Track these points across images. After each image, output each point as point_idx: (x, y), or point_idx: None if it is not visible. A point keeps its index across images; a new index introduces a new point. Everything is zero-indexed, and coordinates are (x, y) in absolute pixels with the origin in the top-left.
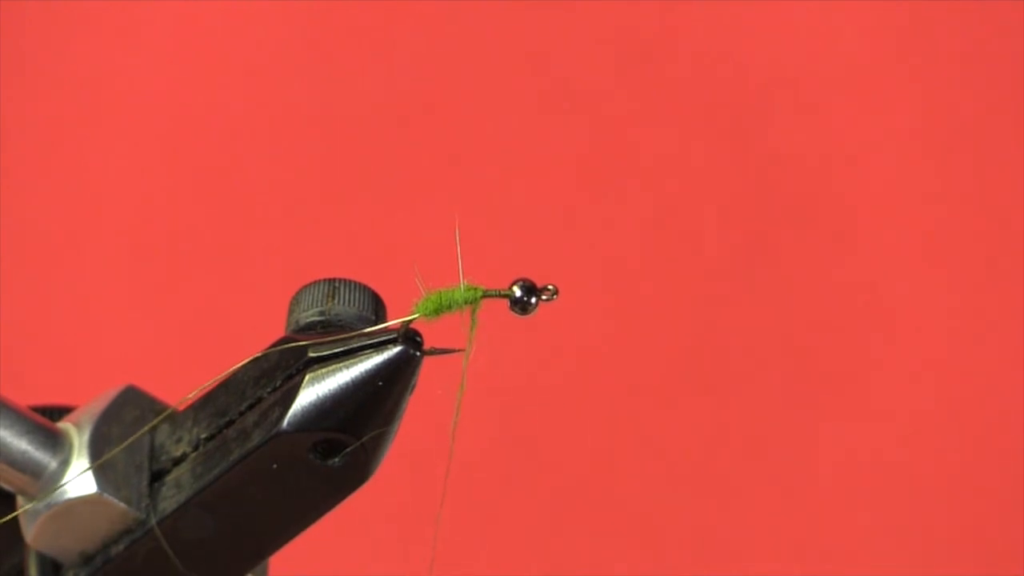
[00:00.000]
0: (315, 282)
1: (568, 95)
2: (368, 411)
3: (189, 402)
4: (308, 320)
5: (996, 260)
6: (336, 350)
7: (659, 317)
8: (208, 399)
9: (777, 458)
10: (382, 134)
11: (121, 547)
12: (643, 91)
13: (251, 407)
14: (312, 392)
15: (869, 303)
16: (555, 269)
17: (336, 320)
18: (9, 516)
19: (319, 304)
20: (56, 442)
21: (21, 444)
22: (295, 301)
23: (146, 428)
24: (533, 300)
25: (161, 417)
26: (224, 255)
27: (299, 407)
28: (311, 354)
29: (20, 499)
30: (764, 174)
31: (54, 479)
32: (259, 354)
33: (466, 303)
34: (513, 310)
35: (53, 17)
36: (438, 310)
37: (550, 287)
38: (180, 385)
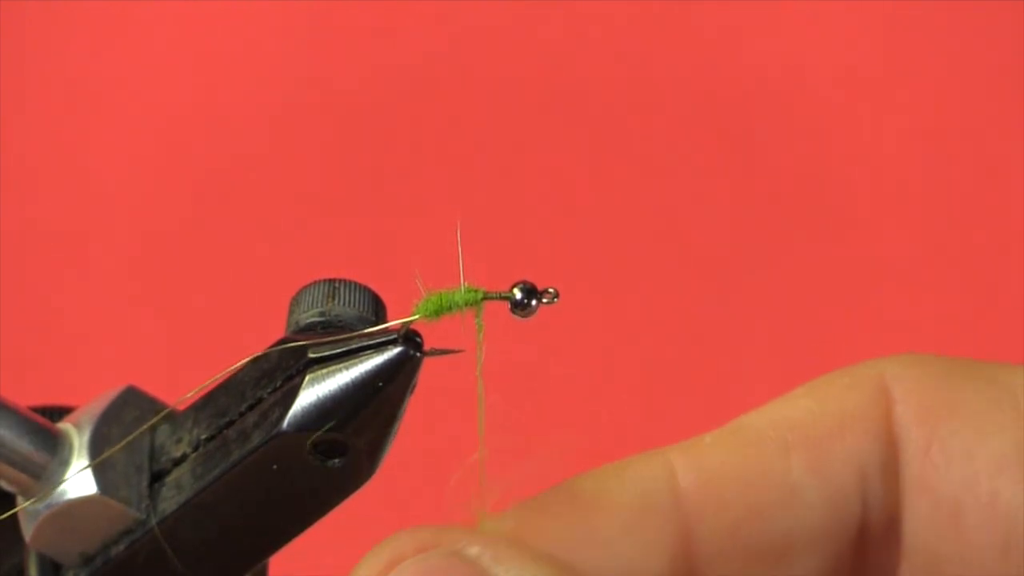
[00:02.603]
0: (315, 282)
1: (569, 95)
2: (368, 412)
3: (189, 402)
4: (308, 321)
5: (996, 258)
6: (336, 351)
7: (660, 318)
8: (208, 400)
9: None
10: (382, 134)
11: (121, 548)
12: (643, 91)
13: (251, 408)
14: (312, 393)
15: (870, 304)
16: (556, 271)
17: (336, 321)
18: (7, 514)
19: (319, 305)
20: (56, 442)
21: (21, 444)
22: (295, 302)
23: (145, 427)
24: (533, 303)
25: (160, 416)
26: (224, 255)
27: (299, 408)
28: (311, 355)
29: (20, 499)
30: (764, 175)
31: (54, 479)
32: (259, 354)
33: (467, 305)
34: (514, 312)
35: (53, 17)
36: (438, 311)
37: (551, 290)
38: (180, 385)
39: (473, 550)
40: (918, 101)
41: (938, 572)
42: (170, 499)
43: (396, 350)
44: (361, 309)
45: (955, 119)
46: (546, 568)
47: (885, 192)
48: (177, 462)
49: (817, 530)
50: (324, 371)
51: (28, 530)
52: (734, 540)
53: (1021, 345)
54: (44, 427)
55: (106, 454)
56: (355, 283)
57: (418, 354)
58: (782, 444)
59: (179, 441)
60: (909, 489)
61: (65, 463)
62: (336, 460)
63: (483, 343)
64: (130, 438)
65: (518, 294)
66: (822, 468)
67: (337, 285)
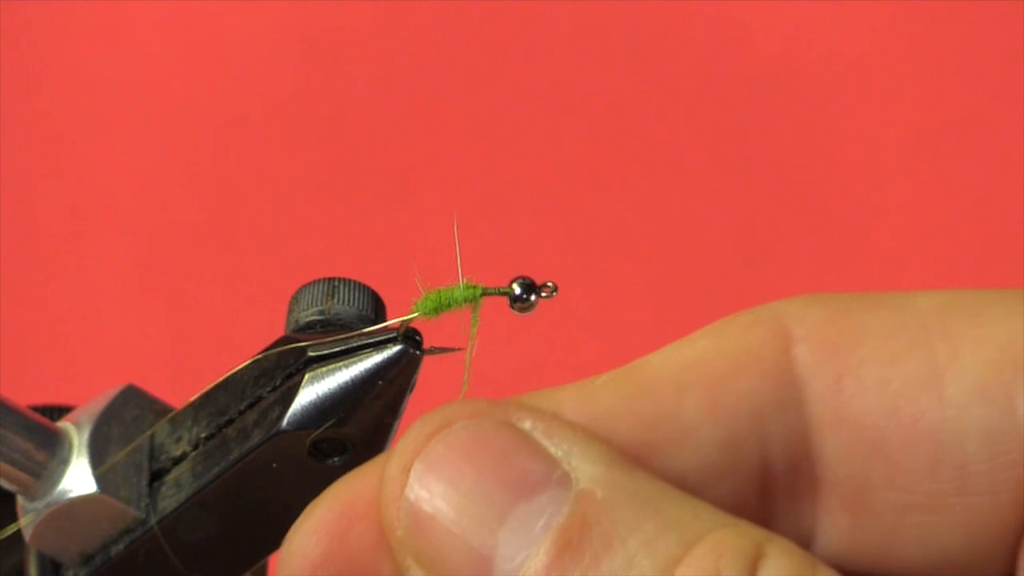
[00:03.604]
0: (314, 281)
1: (568, 93)
2: (368, 410)
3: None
4: (308, 319)
5: (996, 256)
6: (336, 349)
7: (659, 315)
8: (208, 398)
9: None
10: (381, 133)
11: (121, 546)
12: (642, 89)
13: (251, 406)
14: (312, 391)
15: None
16: (555, 268)
17: (336, 319)
18: (12, 528)
19: (319, 303)
20: (56, 442)
21: (21, 444)
22: (295, 300)
23: (148, 432)
24: (532, 297)
25: (163, 420)
26: (224, 255)
27: (299, 406)
28: (311, 353)
29: (20, 499)
30: (764, 171)
31: (54, 479)
32: (259, 354)
33: (466, 301)
34: (513, 308)
35: (53, 17)
36: (438, 309)
37: (549, 284)
38: (180, 385)
39: (526, 423)
40: (919, 97)
41: (870, 499)
42: (170, 498)
43: (395, 348)
44: (360, 307)
45: (956, 115)
46: (596, 446)
47: (886, 188)
48: (177, 461)
49: (712, 470)
50: (324, 370)
51: (28, 529)
52: None
53: None
54: (44, 426)
55: (111, 462)
56: (354, 282)
57: (417, 352)
58: (676, 385)
59: (179, 440)
60: (823, 425)
61: (65, 462)
62: (335, 459)
63: (476, 337)
64: (134, 444)
65: (517, 289)
66: (716, 409)
67: (336, 284)
